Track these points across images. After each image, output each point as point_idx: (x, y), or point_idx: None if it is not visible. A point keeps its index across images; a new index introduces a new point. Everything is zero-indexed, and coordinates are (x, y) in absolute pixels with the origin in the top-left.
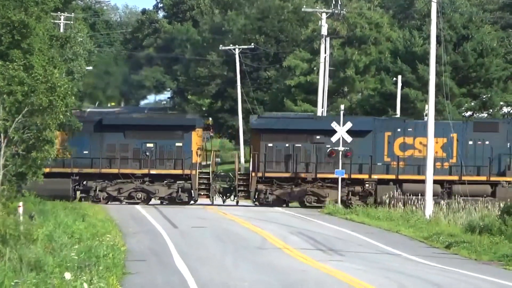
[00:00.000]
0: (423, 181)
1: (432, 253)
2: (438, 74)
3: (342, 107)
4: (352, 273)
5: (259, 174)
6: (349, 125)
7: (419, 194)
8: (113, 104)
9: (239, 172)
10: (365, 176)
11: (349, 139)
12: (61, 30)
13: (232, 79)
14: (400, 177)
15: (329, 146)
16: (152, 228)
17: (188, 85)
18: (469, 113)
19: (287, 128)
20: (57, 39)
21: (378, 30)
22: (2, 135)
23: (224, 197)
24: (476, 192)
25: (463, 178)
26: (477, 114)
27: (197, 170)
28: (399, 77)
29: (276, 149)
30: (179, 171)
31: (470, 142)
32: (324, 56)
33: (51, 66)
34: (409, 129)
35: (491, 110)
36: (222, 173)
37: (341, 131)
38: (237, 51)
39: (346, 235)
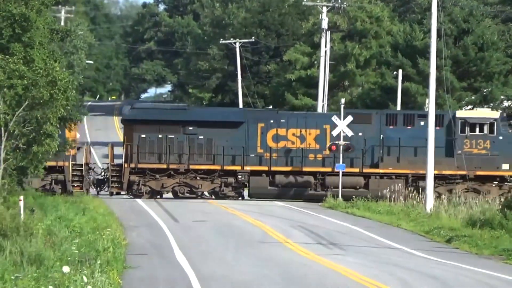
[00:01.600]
0: (296, 172)
1: (432, 247)
2: (439, 68)
3: (343, 101)
4: (353, 267)
5: (132, 165)
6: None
7: (292, 186)
8: (113, 97)
9: (112, 164)
10: (238, 168)
11: (350, 133)
12: (62, 23)
13: (233, 73)
14: (273, 168)
15: (202, 137)
16: (153, 222)
17: (188, 78)
18: (469, 107)
19: (160, 119)
20: (58, 33)
21: (378, 24)
22: (2, 129)
23: (98, 189)
24: (349, 184)
25: (336, 170)
26: (478, 108)
27: (70, 162)
28: (400, 71)
29: (149, 140)
30: (53, 163)
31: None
32: (324, 50)
33: (52, 59)
34: (282, 121)
35: (491, 104)
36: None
37: (342, 125)
38: (237, 45)
39: (347, 229)
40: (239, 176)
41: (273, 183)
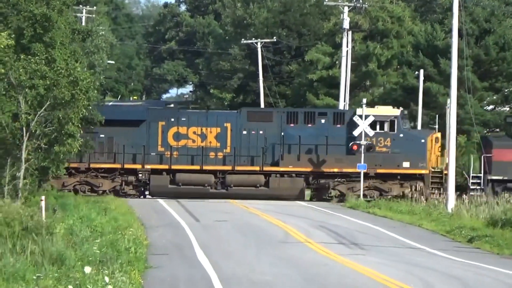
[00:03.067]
0: (196, 171)
1: (454, 247)
2: (460, 68)
3: (364, 100)
4: (375, 267)
5: None
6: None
7: (193, 184)
8: (135, 98)
9: None
10: (139, 166)
11: (371, 133)
12: (83, 23)
13: (254, 73)
14: (173, 167)
15: (103, 135)
16: (174, 222)
17: (210, 79)
18: (491, 107)
19: None
20: (79, 33)
21: (400, 23)
22: (24, 128)
23: None
24: (249, 182)
25: (237, 168)
26: (499, 108)
27: None
28: (421, 71)
29: None
30: None
31: (244, 132)
32: (346, 50)
33: (73, 59)
34: (183, 119)
35: None
36: None
37: (363, 124)
38: (259, 45)
39: (368, 229)
40: (140, 175)
41: (174, 182)
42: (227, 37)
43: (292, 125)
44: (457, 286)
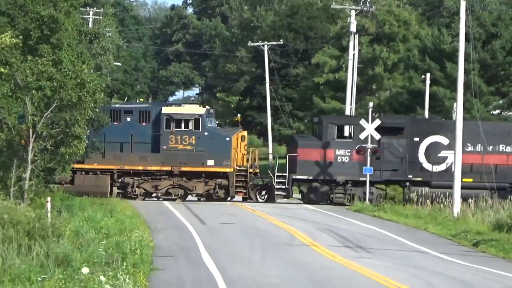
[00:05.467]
0: None
1: (459, 251)
2: (467, 72)
3: (371, 104)
4: (380, 270)
5: None
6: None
7: None
8: (141, 100)
9: None
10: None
11: (377, 136)
12: (90, 25)
13: (261, 76)
14: None
15: None
16: (180, 224)
17: (216, 81)
18: (497, 111)
19: None
20: (86, 35)
21: (406, 27)
22: (30, 130)
23: None
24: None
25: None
26: (505, 113)
27: None
28: (428, 74)
29: None
30: None
31: None
32: (352, 53)
33: (80, 61)
34: None
35: None
36: None
37: (369, 128)
38: (266, 48)
39: (374, 233)
40: None
41: None
42: (233, 40)
43: None
44: None
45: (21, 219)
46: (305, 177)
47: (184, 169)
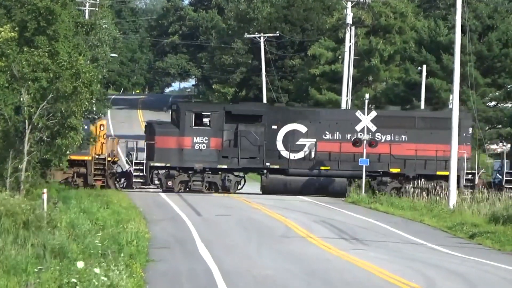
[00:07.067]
0: None
1: (455, 243)
2: (463, 64)
3: (367, 96)
4: (376, 262)
5: None
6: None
7: None
8: (138, 91)
9: None
10: None
11: (373, 128)
12: (86, 17)
13: (257, 67)
14: None
15: None
16: (176, 216)
17: (212, 73)
18: (493, 103)
19: None
20: (82, 26)
21: (402, 19)
22: (26, 121)
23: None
24: None
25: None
26: (502, 104)
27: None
28: (424, 66)
29: None
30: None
31: None
32: (348, 45)
33: (76, 52)
34: None
35: None
36: None
37: (366, 120)
38: (262, 39)
39: (370, 225)
40: None
41: None
42: (230, 32)
43: None
44: (458, 282)
45: (16, 210)
46: (163, 164)
47: None
